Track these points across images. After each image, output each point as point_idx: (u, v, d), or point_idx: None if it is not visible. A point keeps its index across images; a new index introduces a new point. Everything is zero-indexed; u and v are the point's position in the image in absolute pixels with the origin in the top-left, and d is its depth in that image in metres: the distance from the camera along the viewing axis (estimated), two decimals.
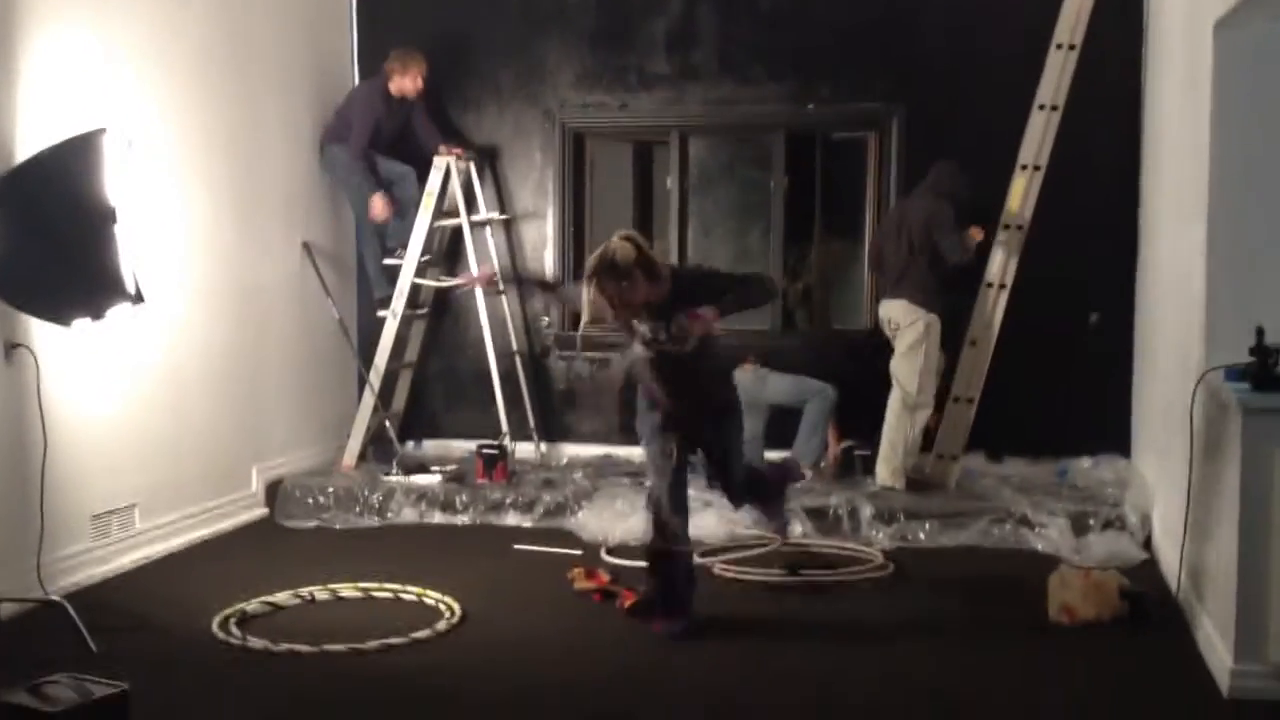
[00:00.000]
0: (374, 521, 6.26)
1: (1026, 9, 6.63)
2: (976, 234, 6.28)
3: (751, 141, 7.62)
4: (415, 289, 7.08)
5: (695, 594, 4.57)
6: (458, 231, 7.21)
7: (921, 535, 5.78)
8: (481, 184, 7.27)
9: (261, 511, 6.38)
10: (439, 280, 7.35)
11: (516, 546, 5.76)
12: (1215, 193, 4.38)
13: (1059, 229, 6.45)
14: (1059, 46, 6.35)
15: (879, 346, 6.52)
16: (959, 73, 6.80)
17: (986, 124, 6.63)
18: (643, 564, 4.71)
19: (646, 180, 7.79)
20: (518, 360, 7.22)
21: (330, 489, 6.35)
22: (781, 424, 6.61)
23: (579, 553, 5.61)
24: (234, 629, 4.46)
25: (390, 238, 7.03)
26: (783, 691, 3.99)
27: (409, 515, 6.27)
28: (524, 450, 7.08)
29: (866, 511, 5.87)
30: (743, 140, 7.70)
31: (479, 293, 7.01)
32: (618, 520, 5.84)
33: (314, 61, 7.09)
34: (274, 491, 6.40)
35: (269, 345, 6.58)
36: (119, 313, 4.46)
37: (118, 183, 4.42)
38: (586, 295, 4.26)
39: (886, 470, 6.28)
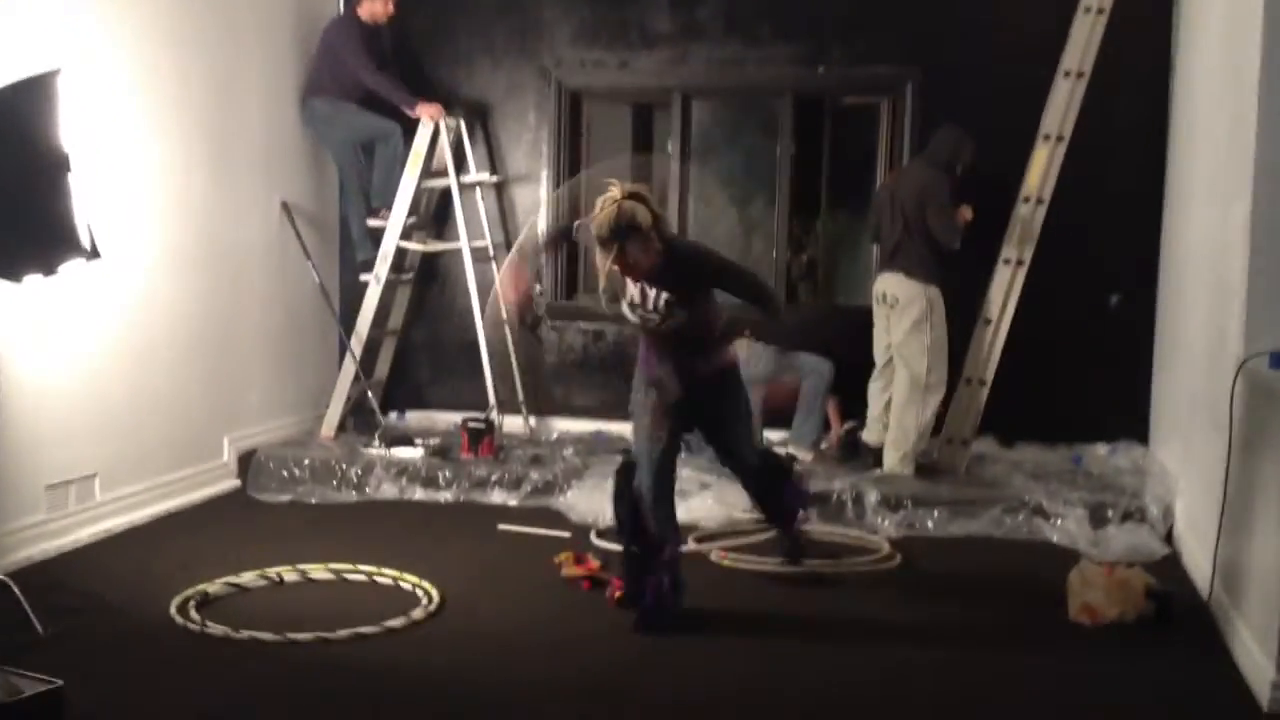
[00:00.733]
0: (352, 496, 5.96)
1: None
2: (965, 214, 5.94)
3: (757, 105, 7.28)
4: (400, 253, 6.75)
5: (686, 589, 4.24)
6: (446, 193, 6.87)
7: (930, 524, 5.48)
8: (472, 143, 6.93)
9: (233, 483, 6.08)
10: (425, 244, 7.01)
11: (501, 527, 5.46)
12: (1261, 167, 4.06)
13: (1078, 203, 6.13)
14: (1087, 10, 6.03)
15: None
16: (980, 35, 6.44)
17: (1007, 91, 6.28)
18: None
19: (646, 144, 7.44)
20: (507, 330, 6.88)
21: (306, 461, 6.05)
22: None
23: (567, 535, 5.32)
24: (193, 612, 4.18)
25: (374, 197, 6.69)
26: (780, 691, 3.69)
27: (389, 491, 5.97)
28: (512, 424, 6.77)
29: (872, 497, 5.56)
30: (748, 104, 7.37)
31: (466, 257, 6.67)
32: (609, 502, 5.47)
33: (297, 5, 6.70)
34: (247, 462, 6.10)
35: (244, 308, 6.25)
36: (72, 268, 4.13)
37: (72, 128, 4.08)
38: (601, 260, 3.97)
39: (896, 456, 5.96)
